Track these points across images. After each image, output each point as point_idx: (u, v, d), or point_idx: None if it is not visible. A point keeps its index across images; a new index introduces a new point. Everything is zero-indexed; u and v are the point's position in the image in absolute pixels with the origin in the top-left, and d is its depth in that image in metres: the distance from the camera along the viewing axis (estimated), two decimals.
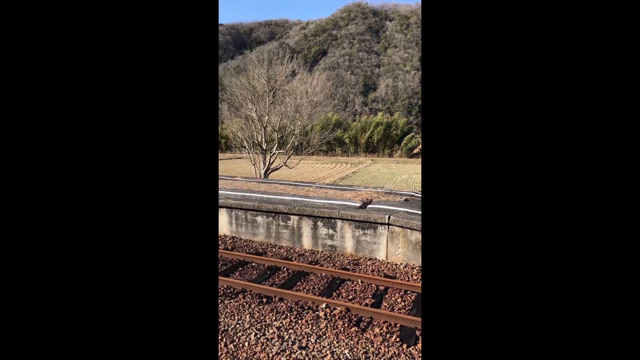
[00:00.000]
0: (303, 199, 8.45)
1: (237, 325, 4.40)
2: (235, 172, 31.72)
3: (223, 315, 4.64)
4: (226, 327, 4.35)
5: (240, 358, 3.79)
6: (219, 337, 4.14)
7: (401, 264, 6.64)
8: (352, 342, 4.09)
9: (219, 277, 5.80)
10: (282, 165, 21.49)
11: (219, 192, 9.24)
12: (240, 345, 4.02)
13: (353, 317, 4.70)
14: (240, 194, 9.02)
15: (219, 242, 7.88)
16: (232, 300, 5.11)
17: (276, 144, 20.89)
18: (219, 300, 5.08)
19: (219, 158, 59.42)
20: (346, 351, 3.92)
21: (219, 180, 11.83)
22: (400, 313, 4.80)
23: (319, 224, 7.39)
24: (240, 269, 6.45)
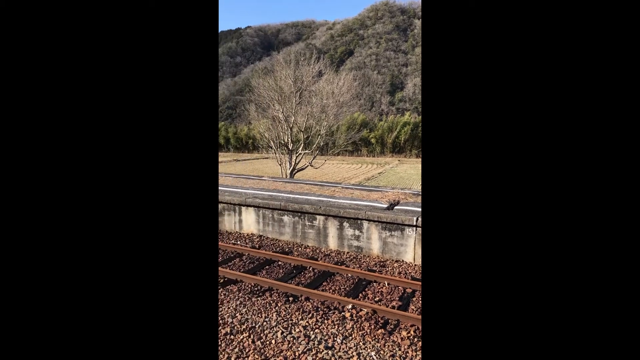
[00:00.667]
0: (329, 199, 8.46)
1: (264, 323, 4.47)
2: (262, 172, 32.21)
3: (250, 313, 4.73)
4: (253, 324, 4.43)
5: (268, 355, 3.84)
6: (247, 334, 4.22)
7: None
8: (378, 345, 4.04)
9: (247, 275, 5.92)
10: (307, 166, 21.62)
11: (247, 191, 9.42)
12: (267, 342, 4.08)
13: (379, 319, 4.65)
14: (268, 193, 9.15)
15: (247, 241, 8.04)
16: (259, 298, 5.19)
17: (302, 145, 21.05)
18: (247, 298, 5.18)
19: (247, 158, 60.53)
20: (373, 353, 3.89)
21: (247, 179, 12.07)
22: None
23: (345, 224, 7.37)
24: (267, 267, 6.55)
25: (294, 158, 20.97)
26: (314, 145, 21.22)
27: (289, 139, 20.87)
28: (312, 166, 21.77)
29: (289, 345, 4.02)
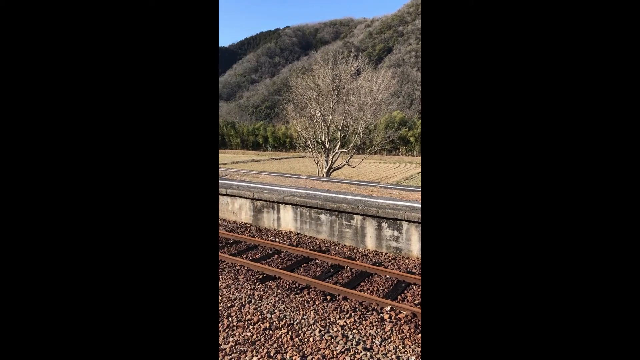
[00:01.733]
0: (367, 198, 8.36)
1: (302, 320, 4.50)
2: (299, 170, 32.59)
3: (289, 309, 4.79)
4: (292, 322, 4.48)
5: (306, 352, 3.86)
6: (286, 331, 4.28)
7: None
8: (419, 349, 3.92)
9: (285, 272, 6.00)
10: (344, 164, 21.54)
11: (285, 189, 9.56)
12: (305, 340, 4.10)
13: (420, 322, 4.51)
14: (305, 191, 9.23)
15: (285, 238, 8.16)
16: (297, 296, 5.24)
17: (339, 143, 21.02)
18: (285, 294, 5.25)
19: (284, 157, 61.51)
20: (412, 358, 3.78)
21: (285, 178, 12.26)
22: None
23: (384, 224, 7.24)
24: (304, 265, 6.60)
25: (330, 157, 20.99)
26: (351, 144, 21.10)
27: (326, 138, 20.91)
28: (348, 165, 21.66)
29: (327, 344, 4.01)
